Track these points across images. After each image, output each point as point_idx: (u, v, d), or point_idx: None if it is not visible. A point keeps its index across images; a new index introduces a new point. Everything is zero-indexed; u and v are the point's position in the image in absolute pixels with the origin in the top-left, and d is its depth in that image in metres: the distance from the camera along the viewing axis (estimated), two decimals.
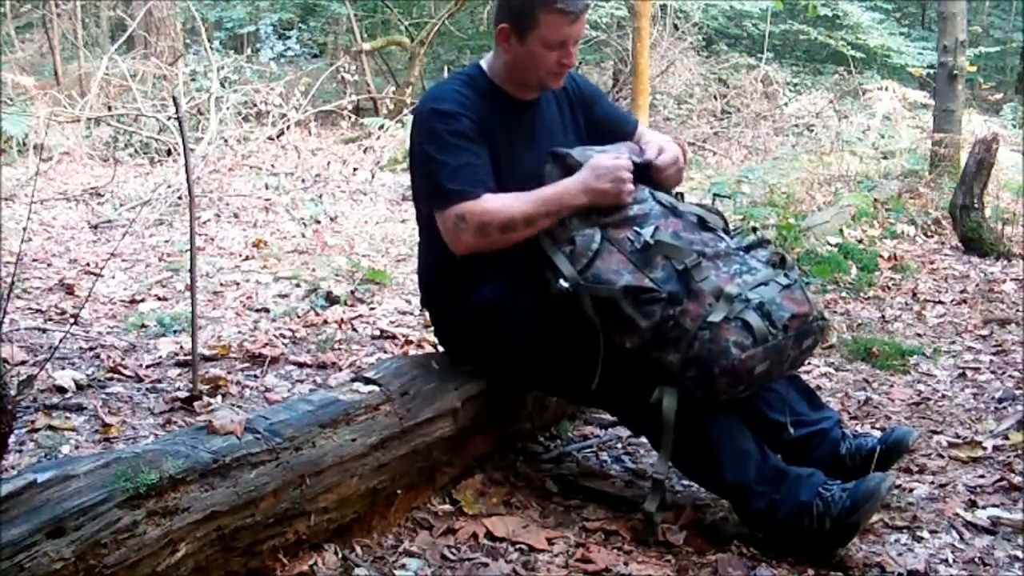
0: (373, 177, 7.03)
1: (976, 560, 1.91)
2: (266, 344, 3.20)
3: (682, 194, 2.14)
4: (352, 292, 3.99)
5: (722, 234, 2.02)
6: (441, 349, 2.36)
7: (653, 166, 2.11)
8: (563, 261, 1.98)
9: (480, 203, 2.01)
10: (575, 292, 1.95)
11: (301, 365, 3.04)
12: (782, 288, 1.91)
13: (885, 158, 8.23)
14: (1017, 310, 4.04)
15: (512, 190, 2.06)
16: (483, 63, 2.20)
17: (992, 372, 3.20)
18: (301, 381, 2.90)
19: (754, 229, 2.06)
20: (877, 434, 2.28)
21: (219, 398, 2.68)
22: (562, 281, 1.96)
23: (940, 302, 4.23)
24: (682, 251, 1.92)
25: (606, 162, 2.01)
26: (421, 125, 2.12)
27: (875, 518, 2.00)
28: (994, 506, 2.14)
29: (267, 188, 6.37)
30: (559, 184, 2.03)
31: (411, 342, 3.27)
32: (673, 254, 1.92)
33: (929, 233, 5.79)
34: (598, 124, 2.32)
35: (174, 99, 4.01)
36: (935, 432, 2.63)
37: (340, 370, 3.00)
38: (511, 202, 2.02)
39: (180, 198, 5.87)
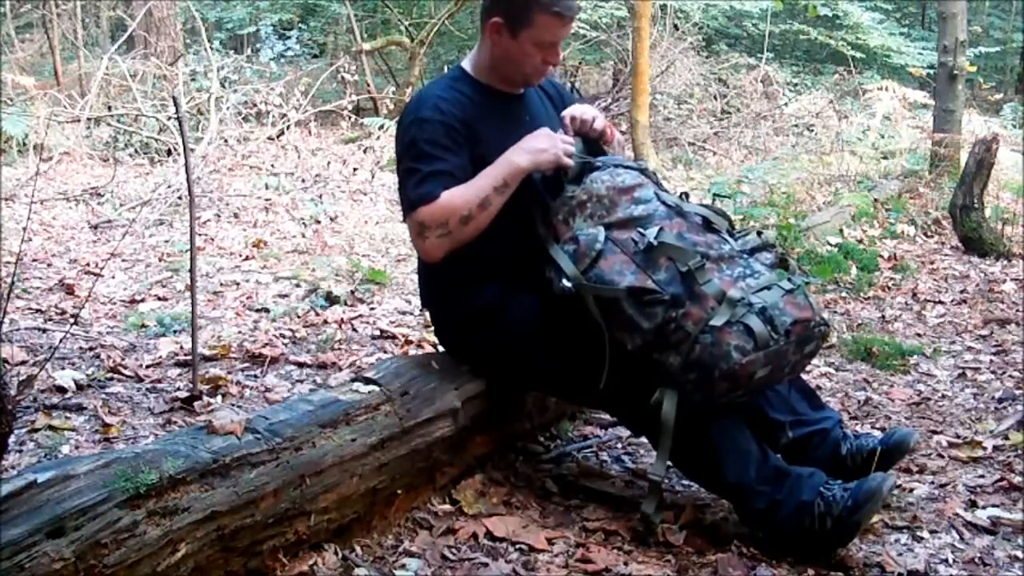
0: (373, 177, 7.02)
1: (976, 560, 1.91)
2: (266, 344, 3.20)
3: (687, 194, 2.13)
4: (352, 292, 3.99)
5: (726, 236, 2.01)
6: (441, 349, 2.36)
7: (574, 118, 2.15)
8: (566, 260, 1.98)
9: (433, 204, 2.02)
10: (577, 292, 1.95)
11: (301, 365, 3.04)
12: (785, 293, 1.90)
13: (885, 158, 8.23)
14: (1017, 310, 4.04)
15: None
16: (465, 64, 2.21)
17: (992, 372, 3.20)
18: (301, 381, 2.90)
19: (759, 232, 2.05)
20: (878, 434, 2.28)
21: (219, 398, 2.68)
22: (565, 281, 1.96)
23: (940, 302, 4.23)
24: (686, 253, 1.91)
25: (535, 132, 2.09)
26: (401, 133, 2.14)
27: (875, 518, 2.00)
28: (994, 506, 2.14)
29: (267, 188, 6.37)
30: (499, 158, 2.06)
31: (411, 342, 3.27)
32: (677, 256, 1.91)
33: (929, 233, 5.79)
34: None
35: (174, 99, 4.01)
36: (935, 432, 2.63)
37: (340, 370, 3.00)
38: (460, 192, 2.03)
39: (180, 198, 5.87)
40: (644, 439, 2.17)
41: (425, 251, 2.08)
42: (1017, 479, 2.27)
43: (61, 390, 2.66)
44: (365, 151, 7.64)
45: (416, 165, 2.06)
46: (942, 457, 2.45)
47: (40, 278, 4.22)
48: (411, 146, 2.08)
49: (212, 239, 5.22)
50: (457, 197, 2.02)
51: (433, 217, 2.03)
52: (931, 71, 10.17)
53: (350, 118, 8.30)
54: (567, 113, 2.17)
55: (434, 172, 2.04)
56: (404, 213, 2.12)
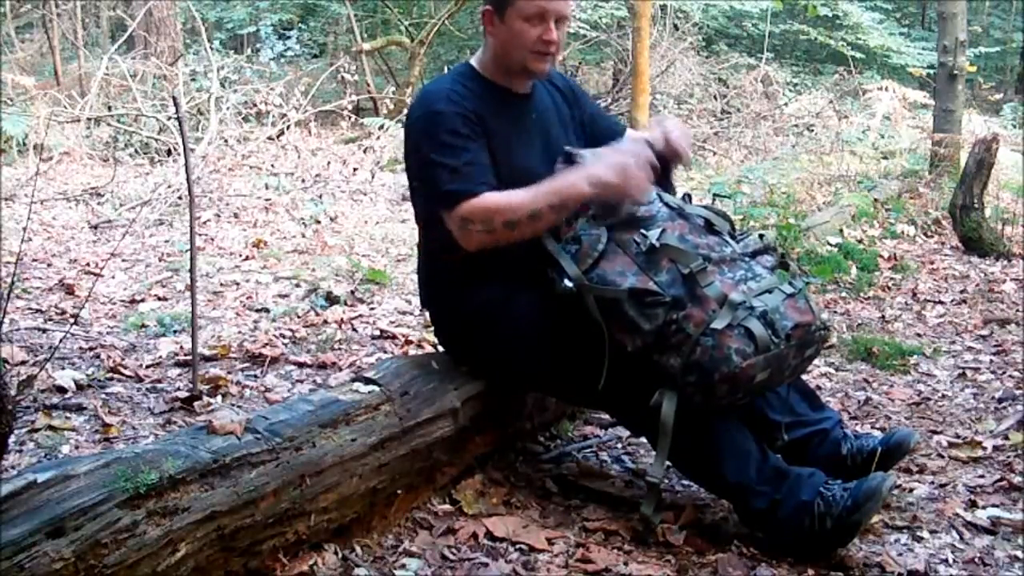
0: (373, 177, 7.02)
1: (976, 560, 1.91)
2: (266, 344, 3.19)
3: (689, 195, 2.13)
4: (352, 292, 3.99)
5: (728, 238, 2.01)
6: (441, 349, 2.36)
7: (670, 146, 2.07)
8: (568, 261, 1.97)
9: (482, 200, 1.98)
10: (579, 292, 1.95)
11: (301, 365, 3.04)
12: (786, 296, 1.91)
13: (885, 158, 8.24)
14: (1017, 310, 4.04)
15: (509, 182, 2.03)
16: (473, 61, 2.20)
17: (992, 372, 3.20)
18: (301, 381, 2.90)
19: (760, 235, 2.05)
20: (878, 434, 2.28)
21: (219, 398, 2.68)
22: (566, 281, 1.96)
23: (940, 302, 4.23)
24: (688, 255, 1.91)
25: (613, 156, 1.98)
26: (417, 128, 2.10)
27: (875, 518, 2.00)
28: (994, 506, 2.14)
29: (267, 188, 6.37)
30: (564, 175, 1.99)
31: (411, 342, 3.27)
32: (679, 258, 1.91)
33: (929, 233, 5.79)
34: (593, 123, 2.32)
35: (174, 99, 4.01)
36: (935, 432, 2.63)
37: (340, 370, 3.00)
38: (514, 197, 1.98)
39: (180, 198, 5.87)
40: (644, 439, 2.17)
41: (464, 241, 2.02)
42: (1017, 479, 2.27)
43: (61, 390, 2.66)
44: (365, 151, 7.64)
45: (444, 159, 2.00)
46: (942, 457, 2.45)
47: (40, 278, 4.22)
48: (431, 139, 2.03)
49: (212, 239, 5.21)
50: (514, 199, 1.97)
51: (477, 213, 1.97)
52: (931, 71, 10.17)
53: (350, 118, 8.30)
54: (670, 131, 2.08)
55: (466, 165, 2.00)
56: (439, 207, 2.03)
